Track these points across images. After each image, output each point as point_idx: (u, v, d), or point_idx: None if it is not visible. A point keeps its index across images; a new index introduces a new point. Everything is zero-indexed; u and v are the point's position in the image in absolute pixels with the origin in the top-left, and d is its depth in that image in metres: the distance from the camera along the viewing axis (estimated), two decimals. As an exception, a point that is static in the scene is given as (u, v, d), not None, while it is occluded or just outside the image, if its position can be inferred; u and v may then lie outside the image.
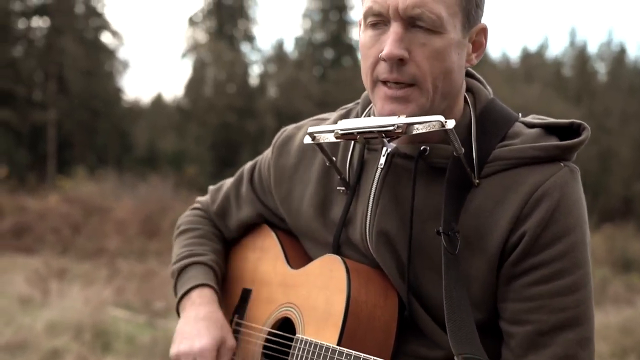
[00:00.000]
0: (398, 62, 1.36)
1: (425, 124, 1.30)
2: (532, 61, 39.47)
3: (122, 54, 44.37)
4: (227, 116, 29.64)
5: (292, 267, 1.65)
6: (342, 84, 28.98)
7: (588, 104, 32.61)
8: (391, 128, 1.32)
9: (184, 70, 56.32)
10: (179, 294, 1.73)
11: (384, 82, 1.39)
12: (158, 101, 34.94)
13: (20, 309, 7.29)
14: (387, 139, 1.36)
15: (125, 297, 8.34)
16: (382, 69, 1.38)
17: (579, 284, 1.36)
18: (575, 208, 1.38)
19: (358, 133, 1.36)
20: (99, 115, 29.67)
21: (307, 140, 1.45)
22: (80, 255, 11.53)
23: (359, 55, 1.53)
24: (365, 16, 1.40)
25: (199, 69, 31.93)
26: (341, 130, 1.38)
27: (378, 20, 1.38)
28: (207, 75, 31.93)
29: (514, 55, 45.48)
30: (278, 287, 1.67)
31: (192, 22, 33.06)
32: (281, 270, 1.67)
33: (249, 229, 1.83)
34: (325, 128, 1.43)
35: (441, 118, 1.29)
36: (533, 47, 42.78)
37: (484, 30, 1.46)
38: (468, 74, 1.53)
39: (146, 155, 28.54)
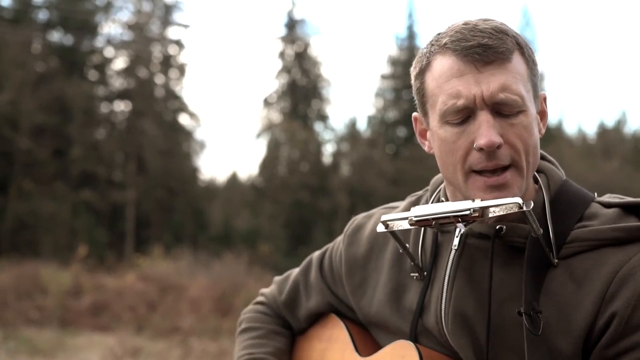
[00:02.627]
0: (494, 149, 1.34)
1: (503, 206, 1.28)
2: (610, 136, 38.82)
3: (199, 134, 45.61)
4: (300, 194, 29.91)
5: (361, 355, 1.60)
6: (415, 161, 28.98)
7: (670, 180, 31.69)
8: (467, 212, 1.29)
9: (259, 149, 57.48)
10: None
11: (480, 172, 1.36)
12: (233, 180, 35.61)
13: (95, 387, 7.35)
14: (464, 223, 1.33)
15: (198, 376, 8.32)
16: (477, 159, 1.35)
17: None
18: None
19: (433, 219, 1.34)
20: (176, 195, 30.36)
21: (381, 228, 1.42)
22: (155, 334, 11.61)
23: (421, 145, 1.52)
24: (445, 115, 1.37)
25: (273, 148, 32.49)
26: (415, 216, 1.35)
27: (463, 116, 1.36)
28: (281, 154, 32.44)
29: (591, 130, 44.87)
30: None
31: (266, 102, 33.84)
32: (350, 358, 1.63)
33: (316, 318, 1.80)
34: (399, 216, 1.40)
35: (518, 200, 1.26)
36: (610, 122, 42.16)
37: (545, 98, 1.47)
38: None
39: (221, 234, 28.91)
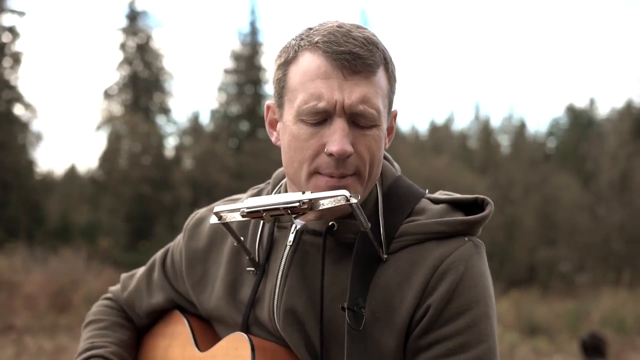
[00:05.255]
0: (344, 157, 1.34)
1: (331, 198, 1.27)
2: (440, 133, 40.61)
3: (35, 126, 43.36)
4: (142, 188, 29.17)
5: (200, 350, 1.58)
6: (258, 155, 29.05)
7: (493, 175, 33.63)
8: (296, 204, 1.28)
9: (99, 142, 55.53)
10: None
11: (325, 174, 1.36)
12: (71, 173, 34.18)
13: None
14: (294, 215, 1.32)
15: (33, 375, 7.94)
16: (325, 163, 1.35)
17: (483, 358, 1.33)
18: (480, 281, 1.37)
19: (264, 210, 1.31)
20: (10, 188, 28.75)
21: (214, 219, 1.39)
22: (-14, 333, 10.96)
23: (269, 134, 1.50)
24: (302, 113, 1.36)
25: (114, 141, 31.45)
26: (247, 208, 1.33)
27: (320, 118, 1.35)
28: (122, 147, 31.48)
29: (423, 128, 46.71)
30: None
31: (107, 94, 32.70)
32: (190, 354, 1.61)
33: (160, 315, 1.77)
34: (231, 207, 1.37)
35: (345, 192, 1.26)
36: (440, 121, 44.07)
37: (395, 115, 1.49)
38: None
39: (58, 228, 27.69)
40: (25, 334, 10.53)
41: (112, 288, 1.86)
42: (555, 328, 15.36)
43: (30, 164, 31.00)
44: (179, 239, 1.71)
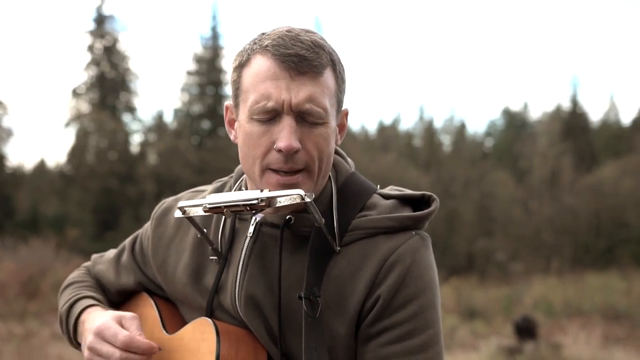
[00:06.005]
0: (292, 153, 1.35)
1: (287, 197, 1.29)
2: (387, 133, 40.83)
3: (6, 122, 42.39)
4: (108, 181, 28.79)
5: (168, 332, 1.58)
6: (218, 152, 28.89)
7: (436, 172, 33.96)
8: (255, 202, 1.30)
9: (67, 138, 54.51)
10: (71, 324, 1.62)
11: (275, 170, 1.37)
12: (41, 167, 33.52)
13: None
14: (253, 211, 1.33)
15: None
16: (275, 159, 1.36)
17: (429, 344, 1.36)
18: (426, 272, 1.39)
19: (225, 207, 1.33)
20: (-19, 181, 28.08)
21: (178, 214, 1.40)
22: (-42, 319, 10.70)
23: (228, 133, 1.50)
24: (253, 112, 1.37)
25: (82, 137, 30.93)
26: (209, 204, 1.34)
27: (270, 117, 1.36)
28: (89, 143, 30.98)
29: (372, 127, 46.94)
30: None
31: (75, 93, 32.14)
32: (157, 336, 1.59)
33: (128, 297, 1.75)
34: (195, 202, 1.38)
35: (301, 191, 1.28)
36: (388, 121, 44.27)
37: (346, 113, 1.50)
38: None
39: (28, 220, 27.14)
40: (-4, 320, 10.31)
41: (85, 264, 1.84)
42: (491, 312, 15.61)
43: (1, 159, 30.31)
44: (147, 226, 1.70)
